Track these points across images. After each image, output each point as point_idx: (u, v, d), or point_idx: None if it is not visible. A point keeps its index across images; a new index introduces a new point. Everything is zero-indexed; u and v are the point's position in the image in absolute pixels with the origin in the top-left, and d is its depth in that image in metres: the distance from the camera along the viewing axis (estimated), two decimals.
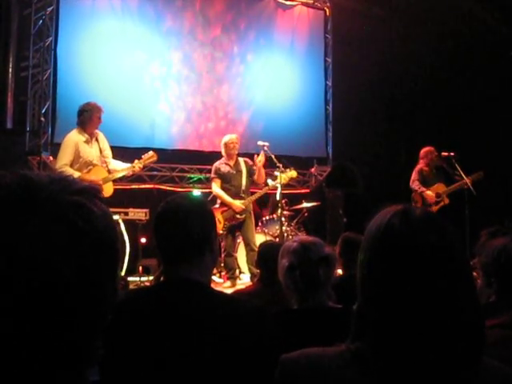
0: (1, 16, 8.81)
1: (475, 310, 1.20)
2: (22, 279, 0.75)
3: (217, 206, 7.97)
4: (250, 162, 8.09)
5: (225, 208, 7.91)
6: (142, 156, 7.37)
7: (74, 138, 6.91)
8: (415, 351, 1.14)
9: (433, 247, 1.17)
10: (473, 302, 1.20)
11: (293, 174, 8.21)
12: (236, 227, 8.05)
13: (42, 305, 0.76)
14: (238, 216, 7.89)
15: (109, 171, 7.14)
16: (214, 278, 8.28)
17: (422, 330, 1.14)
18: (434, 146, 8.59)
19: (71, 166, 6.74)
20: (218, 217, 7.76)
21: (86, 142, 6.95)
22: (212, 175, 8.17)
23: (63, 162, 6.76)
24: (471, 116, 10.54)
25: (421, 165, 8.59)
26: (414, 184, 8.50)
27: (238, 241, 8.40)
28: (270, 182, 8.18)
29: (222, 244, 8.00)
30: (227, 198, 7.89)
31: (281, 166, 7.67)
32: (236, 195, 7.94)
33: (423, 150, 8.63)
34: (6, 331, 0.75)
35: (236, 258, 8.23)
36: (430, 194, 8.36)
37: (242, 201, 7.90)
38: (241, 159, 8.14)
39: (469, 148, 9.15)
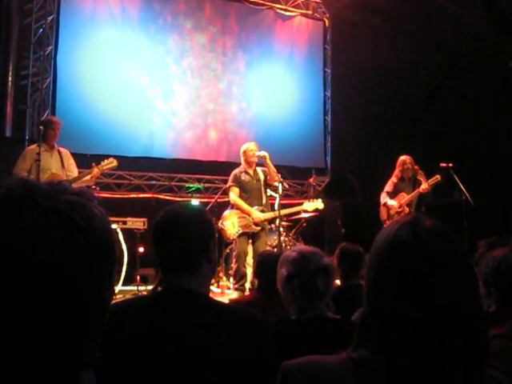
0: (1, 25, 8.84)
1: (481, 321, 1.20)
2: (21, 273, 0.76)
3: (234, 210, 7.69)
4: (266, 170, 7.74)
5: (243, 214, 7.59)
6: (102, 162, 7.23)
7: (32, 148, 7.01)
8: (420, 360, 1.14)
9: (440, 258, 1.17)
10: (479, 312, 1.21)
11: (319, 205, 7.97)
12: (249, 236, 7.68)
13: (39, 300, 0.77)
14: (253, 226, 7.55)
15: None
16: (211, 287, 8.22)
17: (427, 340, 1.14)
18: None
19: (29, 172, 6.76)
20: (234, 220, 7.54)
21: (46, 151, 6.97)
22: (230, 183, 7.77)
23: (20, 167, 6.85)
24: (470, 127, 10.55)
25: (394, 176, 8.53)
26: (381, 196, 8.49)
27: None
28: (306, 203, 8.02)
29: (234, 253, 7.77)
30: (247, 207, 7.56)
31: (280, 175, 7.58)
32: (257, 206, 7.64)
33: (399, 160, 8.53)
34: (1, 328, 0.75)
35: (245, 266, 7.71)
36: (391, 203, 8.32)
37: (266, 213, 7.60)
38: (258, 168, 7.83)
39: (467, 159, 9.15)
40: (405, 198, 8.32)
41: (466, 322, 1.16)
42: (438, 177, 8.21)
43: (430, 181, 8.21)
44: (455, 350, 1.14)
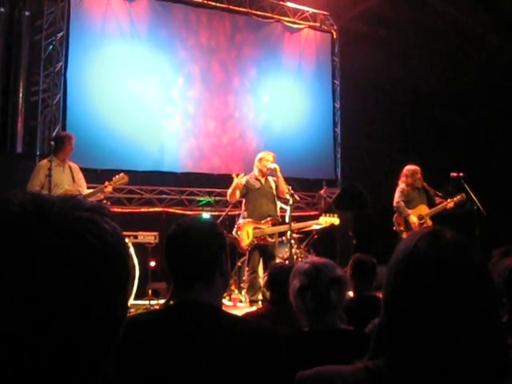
0: (12, 41, 8.92)
1: (500, 333, 1.20)
2: (33, 293, 0.75)
3: (247, 219, 7.65)
4: (276, 181, 7.74)
5: (257, 225, 7.59)
6: (113, 178, 7.27)
7: (44, 163, 7.02)
8: (438, 371, 1.14)
9: (460, 270, 1.17)
10: (497, 325, 1.21)
11: (335, 220, 7.96)
12: (262, 248, 7.66)
13: (52, 319, 0.76)
14: (268, 238, 7.56)
15: None
16: (223, 301, 8.19)
17: (446, 351, 1.14)
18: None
19: (42, 187, 6.80)
20: (249, 231, 7.52)
21: (58, 165, 7.02)
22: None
23: (33, 183, 6.89)
24: (480, 135, 10.52)
25: (403, 184, 8.33)
26: (399, 205, 8.22)
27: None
28: (322, 218, 8.00)
29: (247, 267, 7.69)
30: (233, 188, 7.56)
31: (290, 187, 7.57)
32: (268, 215, 7.67)
33: (408, 169, 8.34)
34: (17, 345, 0.75)
35: (257, 278, 7.64)
36: (413, 219, 8.08)
37: (278, 226, 7.64)
38: (270, 178, 7.81)
39: (478, 168, 9.12)
40: (426, 210, 8.21)
41: (484, 334, 1.16)
42: (463, 195, 8.10)
43: (455, 199, 8.13)
44: (473, 361, 1.14)
